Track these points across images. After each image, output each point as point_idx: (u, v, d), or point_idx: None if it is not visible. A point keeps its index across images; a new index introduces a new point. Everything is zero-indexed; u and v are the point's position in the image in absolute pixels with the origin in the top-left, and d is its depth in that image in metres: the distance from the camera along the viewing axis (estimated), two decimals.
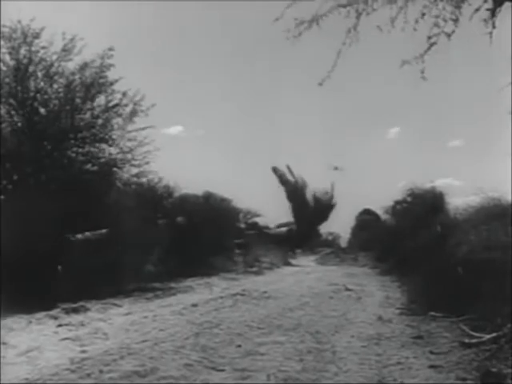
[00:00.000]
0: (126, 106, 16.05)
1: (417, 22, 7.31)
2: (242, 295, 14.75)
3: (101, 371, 6.78)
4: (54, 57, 15.22)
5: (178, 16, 38.12)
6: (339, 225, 39.31)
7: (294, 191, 39.50)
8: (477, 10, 7.30)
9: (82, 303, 12.11)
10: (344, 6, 7.48)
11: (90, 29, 23.42)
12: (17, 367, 7.04)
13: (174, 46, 40.94)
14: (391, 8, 7.39)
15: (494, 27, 7.42)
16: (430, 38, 7.36)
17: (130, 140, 16.31)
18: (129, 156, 16.45)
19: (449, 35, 7.34)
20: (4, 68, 14.90)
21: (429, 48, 7.47)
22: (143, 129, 16.32)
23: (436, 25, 7.26)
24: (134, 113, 16.07)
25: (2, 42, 14.77)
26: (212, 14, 34.87)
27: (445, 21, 7.25)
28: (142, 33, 37.61)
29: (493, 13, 7.42)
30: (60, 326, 10.04)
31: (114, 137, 16.22)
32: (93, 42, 16.00)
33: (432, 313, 10.72)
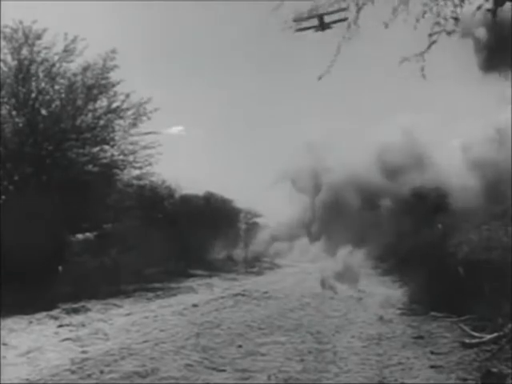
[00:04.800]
0: (128, 109, 16.07)
1: (417, 20, 7.29)
2: (243, 295, 14.75)
3: (101, 372, 6.78)
4: (56, 57, 15.25)
5: (178, 17, 38.14)
6: None
7: None
8: (478, 8, 7.30)
9: (82, 303, 12.12)
10: None
11: (93, 30, 23.43)
12: (17, 368, 7.04)
13: (174, 46, 40.92)
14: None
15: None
16: (430, 35, 7.35)
17: (132, 144, 16.34)
18: (130, 158, 16.48)
19: (450, 33, 7.32)
20: (5, 68, 14.91)
21: (429, 46, 7.46)
22: (146, 134, 16.35)
23: (437, 23, 7.25)
24: (137, 117, 16.09)
25: (4, 43, 14.80)
26: (213, 14, 34.85)
27: (445, 19, 7.23)
28: (142, 33, 37.59)
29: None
30: (61, 326, 10.05)
31: (116, 138, 16.25)
32: (95, 44, 16.03)
33: (433, 313, 10.72)
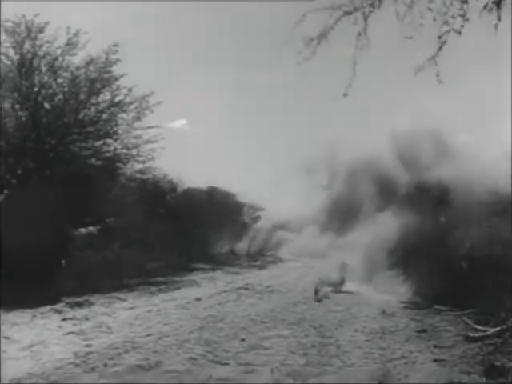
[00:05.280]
0: (131, 103, 16.02)
1: (422, 17, 7.22)
2: (246, 289, 14.77)
3: (105, 365, 6.81)
4: (59, 51, 15.20)
5: (182, 10, 38.05)
6: None
7: None
8: (485, 7, 7.24)
9: (86, 297, 12.15)
10: (350, 13, 7.40)
11: (96, 24, 23.33)
12: (20, 362, 7.06)
13: (177, 40, 40.87)
14: (396, 2, 7.30)
15: (499, 19, 7.35)
16: (440, 37, 7.28)
17: (135, 138, 16.31)
18: (133, 152, 16.45)
19: (459, 32, 7.26)
20: (8, 62, 14.88)
21: (440, 48, 7.39)
22: (149, 128, 16.32)
23: (445, 22, 7.18)
24: (140, 111, 16.05)
25: (5, 37, 14.76)
26: (217, 8, 34.80)
27: (453, 17, 7.17)
28: (146, 28, 37.54)
29: (498, 5, 7.36)
30: (64, 320, 10.08)
31: (119, 131, 16.22)
32: (98, 37, 15.97)
33: (436, 306, 10.72)
